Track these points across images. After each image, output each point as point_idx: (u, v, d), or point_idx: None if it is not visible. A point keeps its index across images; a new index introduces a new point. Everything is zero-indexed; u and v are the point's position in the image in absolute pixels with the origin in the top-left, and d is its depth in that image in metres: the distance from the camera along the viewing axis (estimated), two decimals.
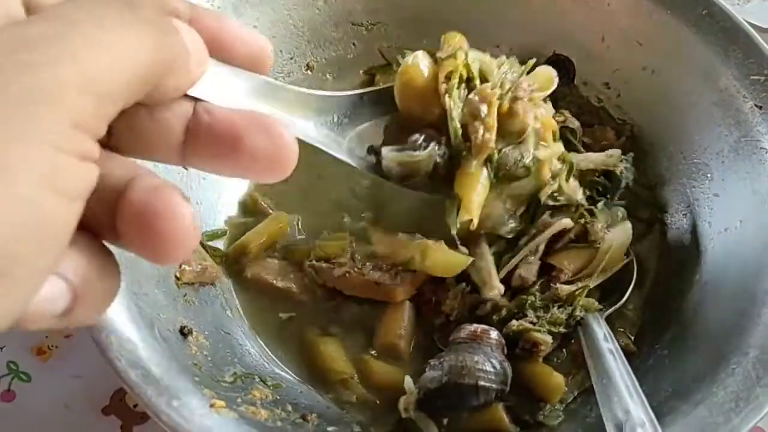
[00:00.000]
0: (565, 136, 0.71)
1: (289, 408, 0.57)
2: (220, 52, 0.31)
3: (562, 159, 0.62)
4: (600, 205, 0.67)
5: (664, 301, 0.66)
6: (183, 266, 0.62)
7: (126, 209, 0.26)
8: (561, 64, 0.78)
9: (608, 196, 0.69)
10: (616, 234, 0.66)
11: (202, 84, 0.30)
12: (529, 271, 0.64)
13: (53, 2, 0.27)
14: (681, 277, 0.66)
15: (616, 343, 0.59)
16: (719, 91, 0.67)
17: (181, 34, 0.28)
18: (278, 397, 0.58)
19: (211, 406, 0.50)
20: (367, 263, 0.66)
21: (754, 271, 0.59)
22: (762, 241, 0.60)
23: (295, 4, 0.76)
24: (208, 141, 0.29)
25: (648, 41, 0.72)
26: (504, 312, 0.62)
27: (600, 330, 0.60)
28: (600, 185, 0.69)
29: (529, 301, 0.62)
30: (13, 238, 0.21)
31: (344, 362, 0.63)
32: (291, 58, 0.78)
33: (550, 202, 0.62)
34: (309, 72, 0.80)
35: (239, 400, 0.54)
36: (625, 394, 0.53)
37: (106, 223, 0.27)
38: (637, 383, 0.54)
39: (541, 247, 0.64)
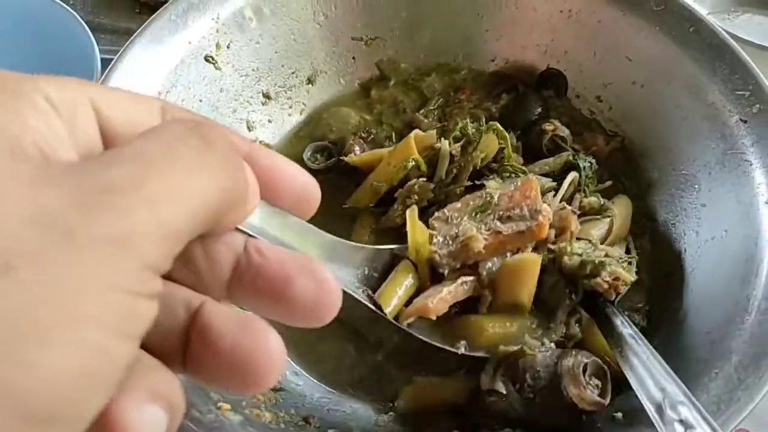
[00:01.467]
0: (556, 142, 0.75)
1: (292, 411, 0.59)
2: (267, 189, 0.30)
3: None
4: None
5: (652, 307, 0.69)
6: None
7: (212, 347, 0.26)
8: (554, 77, 0.81)
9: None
10: (619, 203, 0.70)
11: (252, 219, 0.30)
12: None
13: (127, 131, 0.27)
14: (669, 284, 0.68)
15: (635, 328, 0.60)
16: (706, 105, 0.70)
17: (246, 171, 0.28)
18: (281, 401, 0.60)
19: (218, 408, 0.53)
20: None
21: (738, 278, 0.61)
22: (746, 250, 0.62)
23: (296, 20, 0.78)
24: (257, 281, 0.28)
25: (637, 57, 0.75)
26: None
27: (616, 318, 0.62)
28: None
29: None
30: (72, 384, 0.20)
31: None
32: (293, 73, 0.81)
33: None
34: (310, 86, 0.82)
35: (244, 403, 0.56)
36: (656, 374, 0.54)
37: (169, 350, 0.26)
38: (663, 361, 0.55)
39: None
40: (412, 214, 0.63)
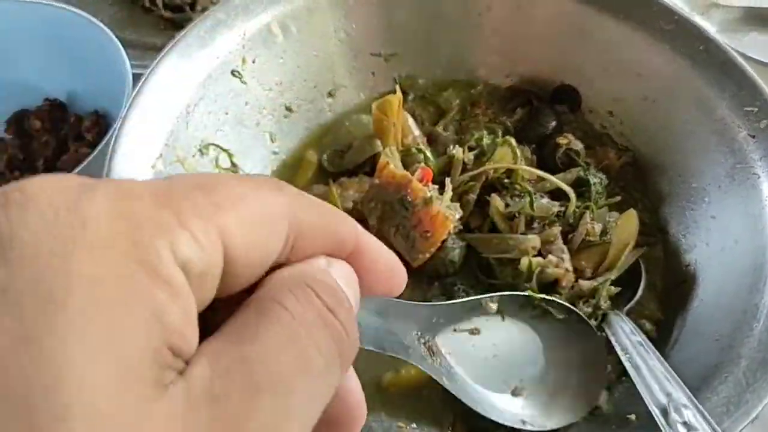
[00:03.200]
0: (569, 156, 0.78)
1: None
2: (369, 282, 0.31)
3: None
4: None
5: (665, 315, 0.71)
6: None
7: None
8: (567, 93, 0.84)
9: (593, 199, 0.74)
10: (622, 224, 0.72)
11: None
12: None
13: (248, 257, 0.25)
14: (681, 293, 0.70)
15: (643, 335, 0.64)
16: (715, 120, 0.72)
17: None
18: None
19: None
20: None
21: (747, 288, 0.63)
22: (754, 261, 0.64)
23: (319, 36, 0.81)
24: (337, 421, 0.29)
25: (648, 73, 0.77)
26: None
27: (626, 326, 0.65)
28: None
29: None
30: None
31: None
32: (314, 87, 0.84)
33: None
34: (331, 99, 0.85)
35: None
36: (662, 379, 0.57)
37: None
38: (670, 368, 0.58)
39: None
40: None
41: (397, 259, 0.32)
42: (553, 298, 0.64)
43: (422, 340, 0.52)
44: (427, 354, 0.52)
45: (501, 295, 0.62)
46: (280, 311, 0.24)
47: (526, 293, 0.64)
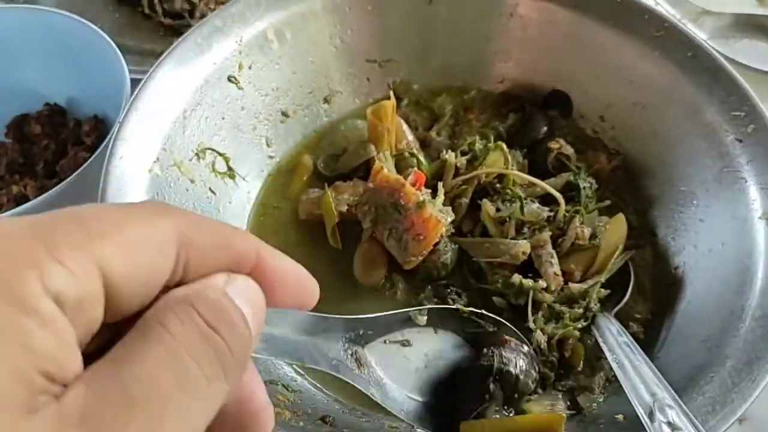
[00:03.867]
0: (560, 160, 0.79)
1: (309, 410, 0.63)
2: (274, 294, 0.32)
3: None
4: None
5: (654, 316, 0.72)
6: None
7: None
8: (560, 98, 0.85)
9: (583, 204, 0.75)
10: (611, 228, 0.73)
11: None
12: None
13: (134, 280, 0.26)
14: (669, 295, 0.71)
15: (629, 336, 0.65)
16: (704, 125, 0.74)
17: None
18: (299, 401, 0.63)
19: None
20: None
21: (733, 289, 0.64)
22: (741, 263, 0.65)
23: (315, 43, 0.83)
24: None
25: (638, 79, 0.79)
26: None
27: (613, 327, 0.66)
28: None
29: (547, 303, 0.69)
30: None
31: None
32: (310, 92, 0.85)
33: None
34: (326, 105, 0.86)
35: None
36: (648, 380, 0.58)
37: None
38: (655, 368, 0.59)
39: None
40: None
41: (307, 273, 0.34)
42: (483, 312, 0.65)
43: (349, 352, 0.53)
44: (355, 365, 0.53)
45: (430, 308, 0.63)
46: (161, 331, 0.26)
47: (456, 306, 0.66)
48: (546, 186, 0.74)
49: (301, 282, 0.33)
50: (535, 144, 0.81)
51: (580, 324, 0.67)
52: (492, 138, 0.79)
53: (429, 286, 0.73)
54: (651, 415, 0.54)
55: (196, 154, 0.74)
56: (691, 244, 0.73)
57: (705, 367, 0.59)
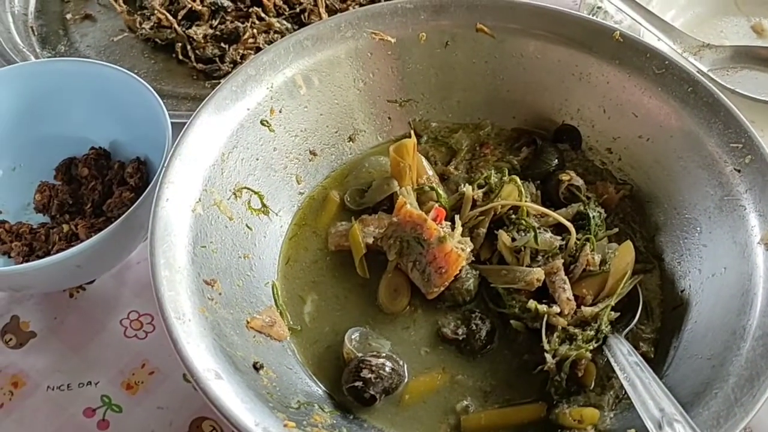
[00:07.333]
0: (571, 191, 0.85)
1: (345, 431, 0.68)
2: None
3: None
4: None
5: (662, 336, 0.77)
6: (254, 315, 0.74)
7: None
8: (569, 132, 0.91)
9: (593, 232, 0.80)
10: (620, 254, 0.78)
11: None
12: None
13: None
14: (676, 317, 0.76)
15: (639, 356, 0.70)
16: (704, 156, 0.79)
17: None
18: (334, 422, 0.69)
19: (285, 426, 0.61)
20: None
21: (735, 311, 0.69)
22: (742, 286, 0.70)
23: (339, 86, 0.89)
24: None
25: (642, 114, 0.85)
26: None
27: (624, 347, 0.71)
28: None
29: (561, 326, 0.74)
30: None
31: None
32: (336, 132, 0.91)
33: None
34: (351, 143, 0.92)
35: (305, 422, 0.65)
36: (656, 396, 0.63)
37: None
38: (663, 385, 0.65)
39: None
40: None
41: None
42: None
43: None
44: None
45: None
46: None
47: None
48: (558, 216, 0.80)
49: None
50: (547, 176, 0.87)
51: (592, 345, 0.72)
52: (506, 171, 0.85)
53: (455, 312, 0.79)
54: (660, 429, 0.59)
55: (234, 193, 0.81)
56: (695, 268, 0.78)
57: (710, 384, 0.64)
